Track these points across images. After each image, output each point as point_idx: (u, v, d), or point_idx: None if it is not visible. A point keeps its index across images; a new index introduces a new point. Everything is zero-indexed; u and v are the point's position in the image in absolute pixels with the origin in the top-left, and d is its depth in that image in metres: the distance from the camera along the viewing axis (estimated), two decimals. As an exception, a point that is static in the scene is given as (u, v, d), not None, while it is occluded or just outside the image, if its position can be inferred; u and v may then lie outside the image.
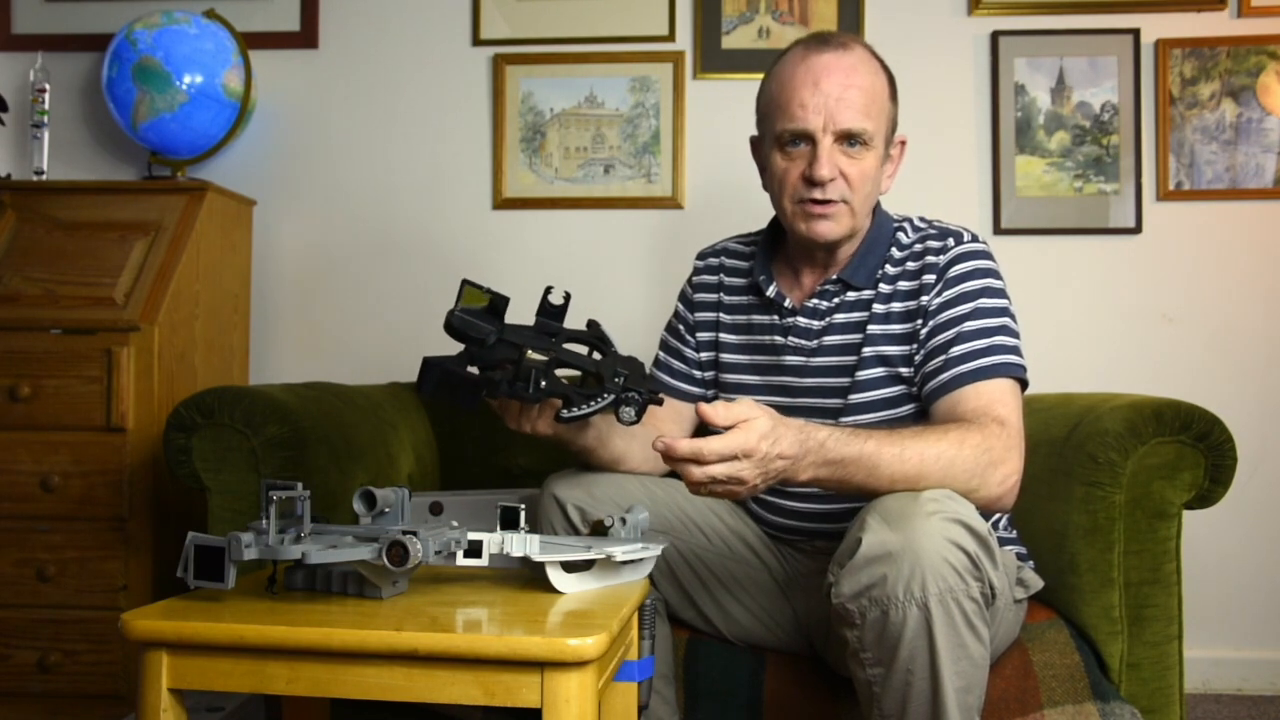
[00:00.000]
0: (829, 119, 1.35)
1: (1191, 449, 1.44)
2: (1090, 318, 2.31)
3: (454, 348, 1.27)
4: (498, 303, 1.26)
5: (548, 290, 1.32)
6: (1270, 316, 2.29)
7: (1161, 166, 2.29)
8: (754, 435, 1.12)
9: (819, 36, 1.41)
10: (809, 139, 1.36)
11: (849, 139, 1.36)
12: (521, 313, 1.32)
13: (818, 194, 1.37)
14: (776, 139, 1.40)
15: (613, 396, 1.27)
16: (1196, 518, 1.56)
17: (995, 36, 2.32)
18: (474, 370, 1.27)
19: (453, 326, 1.24)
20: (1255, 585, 2.27)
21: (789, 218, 1.42)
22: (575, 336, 1.33)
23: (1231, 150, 2.28)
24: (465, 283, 1.26)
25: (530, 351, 1.28)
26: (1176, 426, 1.44)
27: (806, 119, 1.35)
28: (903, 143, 1.47)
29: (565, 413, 1.27)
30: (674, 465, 1.15)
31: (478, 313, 1.25)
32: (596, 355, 1.34)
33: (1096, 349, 2.30)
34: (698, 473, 1.13)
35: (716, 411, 1.14)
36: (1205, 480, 1.45)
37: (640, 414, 1.27)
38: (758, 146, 1.49)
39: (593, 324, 1.36)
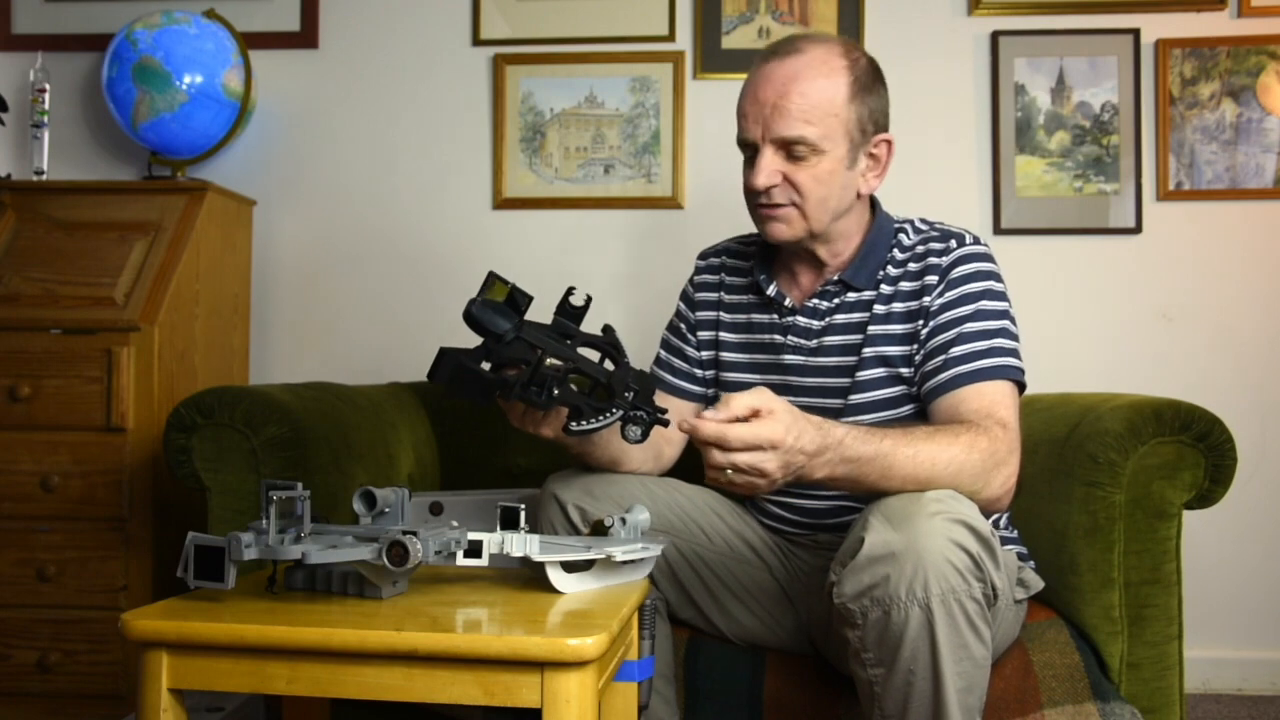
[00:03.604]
0: (765, 128, 1.36)
1: (1191, 449, 1.44)
2: (1090, 318, 2.31)
3: (460, 341, 1.26)
4: (519, 299, 1.26)
5: (569, 291, 1.31)
6: (1270, 316, 2.29)
7: (1161, 166, 2.29)
8: (780, 427, 1.10)
9: (777, 43, 1.42)
10: (754, 147, 1.39)
11: (788, 147, 1.36)
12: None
13: (763, 199, 1.40)
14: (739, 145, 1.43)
15: (620, 413, 1.26)
16: (1196, 518, 1.56)
17: (995, 36, 2.32)
18: (487, 367, 1.26)
19: (471, 316, 1.24)
20: (1255, 585, 2.27)
21: (753, 221, 1.45)
22: (590, 341, 1.33)
23: (1231, 150, 2.28)
24: (491, 275, 1.25)
25: (548, 359, 1.27)
26: (1176, 426, 1.44)
27: (748, 128, 1.39)
28: (888, 143, 1.43)
29: (574, 425, 1.26)
30: (698, 447, 1.13)
31: (498, 307, 1.25)
32: (609, 363, 1.33)
33: (1096, 349, 2.30)
34: (721, 458, 1.11)
35: (736, 405, 1.11)
36: (1205, 480, 1.45)
37: (645, 434, 1.27)
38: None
39: (608, 329, 1.35)
